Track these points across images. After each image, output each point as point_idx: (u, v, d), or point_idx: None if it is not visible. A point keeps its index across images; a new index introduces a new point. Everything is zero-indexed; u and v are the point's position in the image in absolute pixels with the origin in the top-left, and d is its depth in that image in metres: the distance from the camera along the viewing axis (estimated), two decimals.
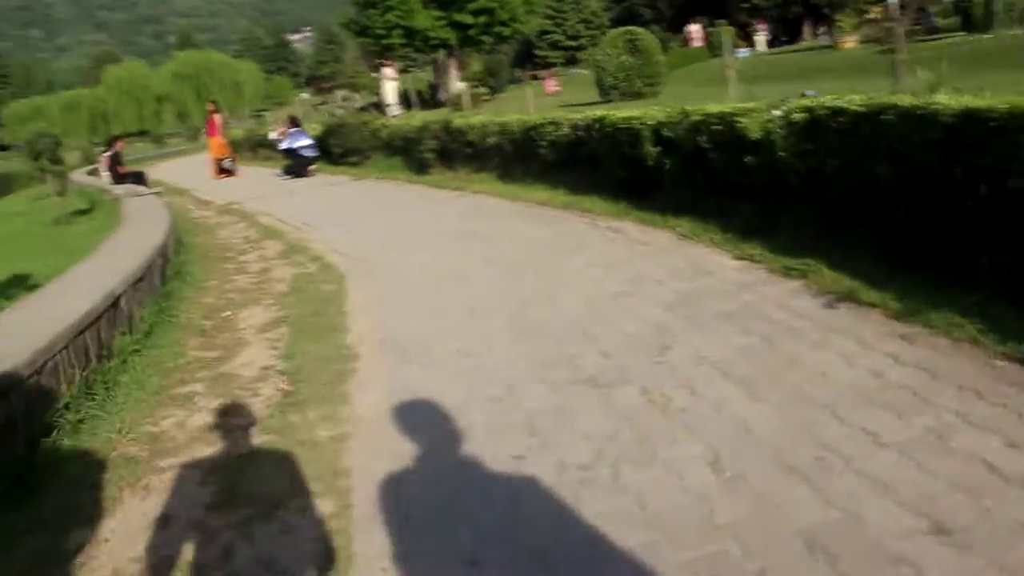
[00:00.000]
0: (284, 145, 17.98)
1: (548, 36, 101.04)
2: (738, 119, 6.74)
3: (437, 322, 5.57)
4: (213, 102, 22.29)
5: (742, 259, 6.02)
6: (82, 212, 15.89)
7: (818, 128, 5.86)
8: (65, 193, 15.47)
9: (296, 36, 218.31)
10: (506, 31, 42.70)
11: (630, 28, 20.39)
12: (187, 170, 25.43)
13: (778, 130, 6.37)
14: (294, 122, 18.70)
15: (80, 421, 4.31)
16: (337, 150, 18.27)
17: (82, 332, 4.88)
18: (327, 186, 15.42)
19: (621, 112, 8.90)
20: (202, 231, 11.76)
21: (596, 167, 9.46)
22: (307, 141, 17.57)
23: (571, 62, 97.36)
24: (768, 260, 5.81)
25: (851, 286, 4.94)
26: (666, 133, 7.86)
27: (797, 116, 6.10)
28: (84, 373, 4.76)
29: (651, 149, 8.07)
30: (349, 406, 4.30)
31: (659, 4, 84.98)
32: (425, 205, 11.21)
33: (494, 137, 11.96)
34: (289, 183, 16.88)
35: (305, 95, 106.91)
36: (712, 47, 41.09)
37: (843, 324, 4.43)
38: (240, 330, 6.19)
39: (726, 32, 41.80)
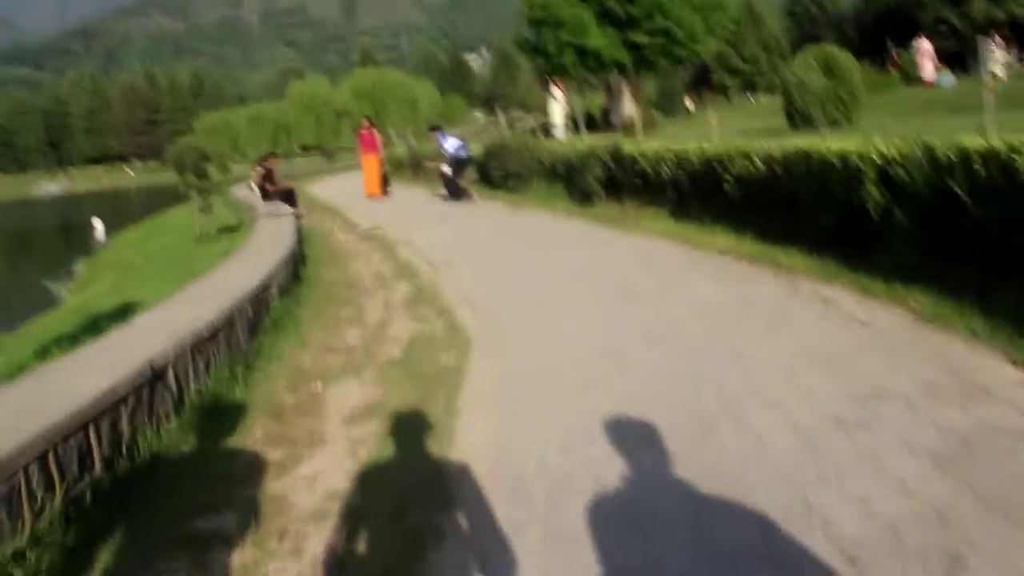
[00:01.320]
0: (442, 148, 16.77)
1: (724, 60, 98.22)
2: (1018, 157, 4.82)
3: (579, 445, 3.87)
4: (367, 117, 21.37)
5: None
6: (230, 229, 15.16)
7: None
8: (209, 210, 14.74)
9: (473, 56, 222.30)
10: (683, 52, 40.67)
11: (824, 47, 18.11)
12: (350, 186, 24.76)
13: None
14: (436, 128, 18.07)
15: None
16: (497, 173, 16.95)
17: (78, 431, 3.51)
18: (480, 214, 14.06)
19: (832, 144, 7.03)
20: (335, 262, 10.53)
21: (794, 211, 7.60)
22: (456, 142, 16.45)
23: (748, 87, 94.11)
24: None
25: None
26: (897, 174, 5.97)
27: None
28: (78, 487, 3.40)
29: (875, 194, 6.19)
30: None
31: (844, 27, 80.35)
32: (584, 245, 9.56)
33: (669, 168, 10.24)
34: (442, 207, 15.65)
35: (478, 114, 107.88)
36: (905, 73, 37.56)
37: None
38: (324, 417, 4.73)
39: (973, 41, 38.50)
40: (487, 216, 13.68)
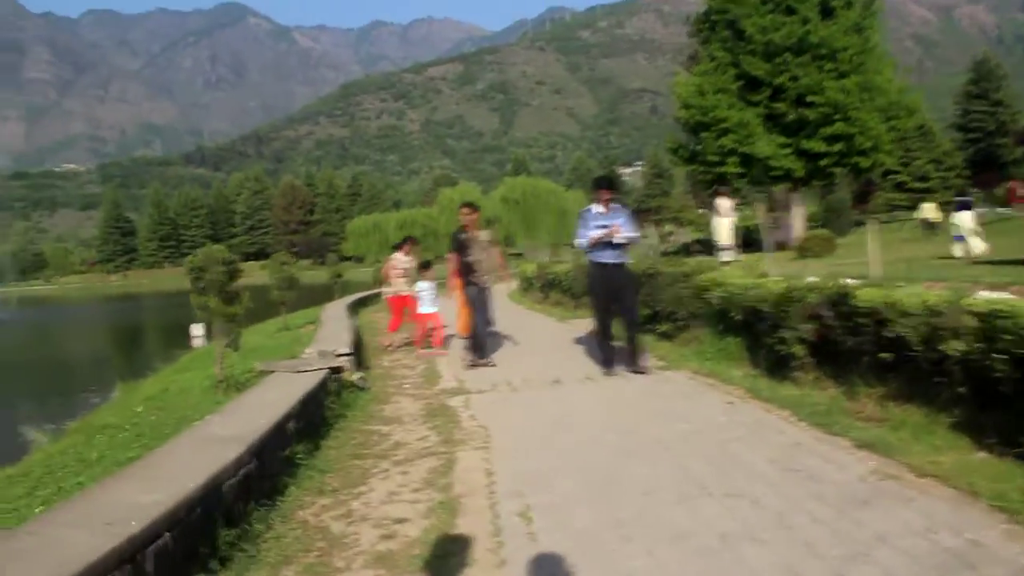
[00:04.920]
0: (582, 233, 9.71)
1: (892, 176, 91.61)
2: None
3: None
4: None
5: None
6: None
7: None
8: (236, 345, 10.64)
9: (627, 169, 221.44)
10: (865, 163, 35.35)
11: None
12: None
13: None
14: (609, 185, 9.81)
15: None
16: (641, 310, 12.37)
17: None
18: (613, 377, 9.45)
19: None
20: (348, 477, 6.07)
21: None
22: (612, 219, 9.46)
23: (915, 207, 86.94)
24: None
25: None
26: None
27: None
28: None
29: None
30: None
31: None
32: (807, 506, 4.69)
33: (962, 343, 5.42)
34: (570, 357, 11.10)
35: None
36: None
37: None
38: None
39: None
40: (621, 385, 9.00)
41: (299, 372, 8.27)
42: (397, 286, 14.20)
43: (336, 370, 8.86)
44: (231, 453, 4.86)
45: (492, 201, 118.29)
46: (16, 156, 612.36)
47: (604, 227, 9.28)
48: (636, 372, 9.30)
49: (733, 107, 34.40)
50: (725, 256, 17.87)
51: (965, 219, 20.49)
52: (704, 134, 35.22)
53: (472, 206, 11.69)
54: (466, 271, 11.37)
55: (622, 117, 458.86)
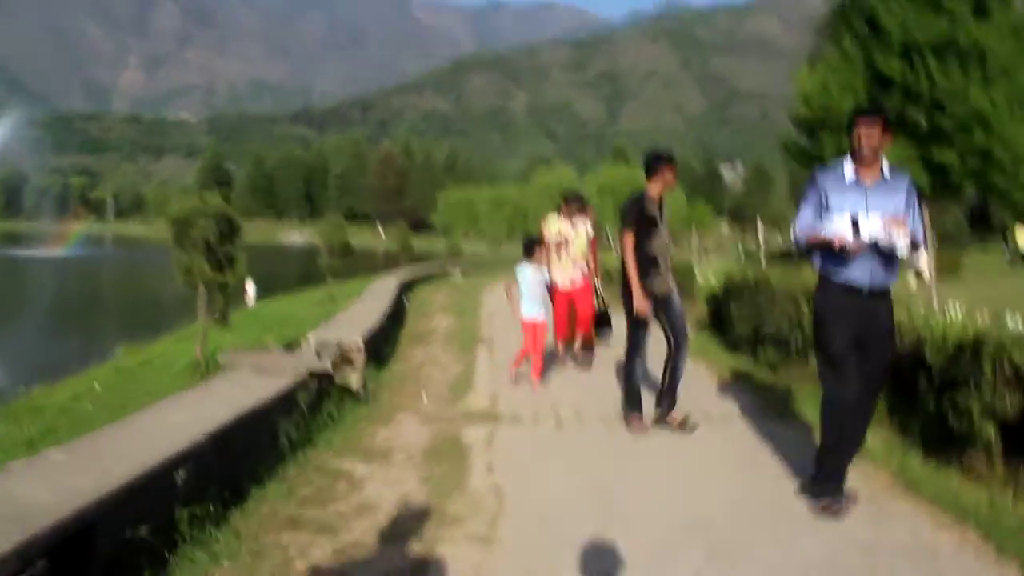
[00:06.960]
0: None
1: (1005, 195, 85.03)
2: None
3: None
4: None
5: None
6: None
7: None
8: (227, 320, 8.47)
9: (727, 166, 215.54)
10: (1000, 179, 31.71)
11: None
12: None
13: None
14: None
15: None
16: (741, 328, 9.91)
17: None
18: (710, 421, 6.88)
19: None
20: (242, 572, 3.78)
21: None
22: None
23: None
24: None
25: None
26: None
27: None
28: None
29: None
30: None
31: None
32: None
33: None
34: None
35: (724, 228, 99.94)
36: None
37: None
38: None
39: None
40: (710, 444, 6.44)
41: (261, 374, 5.99)
42: (556, 270, 9.31)
43: (322, 376, 6.55)
44: None
45: (588, 186, 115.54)
46: (134, 101, 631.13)
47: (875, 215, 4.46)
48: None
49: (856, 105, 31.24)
50: None
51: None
52: (823, 133, 32.12)
53: (671, 162, 6.58)
54: (646, 266, 6.49)
55: (731, 117, 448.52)
